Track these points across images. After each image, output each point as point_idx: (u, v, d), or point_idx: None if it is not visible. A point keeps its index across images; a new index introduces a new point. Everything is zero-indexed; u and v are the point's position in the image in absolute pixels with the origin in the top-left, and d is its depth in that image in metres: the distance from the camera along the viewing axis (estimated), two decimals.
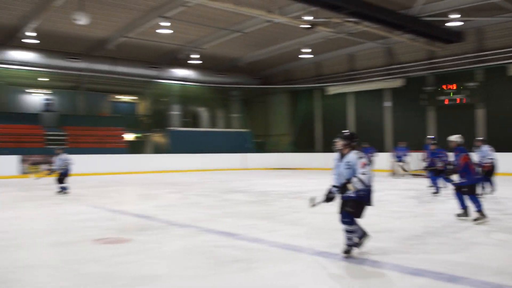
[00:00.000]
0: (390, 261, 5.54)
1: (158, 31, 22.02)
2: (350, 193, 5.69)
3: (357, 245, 5.84)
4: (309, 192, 13.98)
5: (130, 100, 33.91)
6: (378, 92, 27.55)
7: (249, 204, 11.28)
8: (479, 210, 8.13)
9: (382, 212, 9.62)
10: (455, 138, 8.89)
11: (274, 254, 5.98)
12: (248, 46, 27.40)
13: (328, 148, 28.83)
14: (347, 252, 5.73)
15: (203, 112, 32.54)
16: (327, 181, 16.68)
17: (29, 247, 6.58)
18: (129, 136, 30.39)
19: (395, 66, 26.61)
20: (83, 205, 11.43)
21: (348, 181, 5.67)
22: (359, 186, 5.60)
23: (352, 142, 5.93)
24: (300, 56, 27.78)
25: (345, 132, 6.08)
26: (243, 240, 6.86)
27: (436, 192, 12.54)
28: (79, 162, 23.60)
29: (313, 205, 6.04)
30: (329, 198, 5.98)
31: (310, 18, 19.29)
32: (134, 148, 30.23)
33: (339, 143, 5.97)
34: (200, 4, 18.97)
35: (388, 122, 27.33)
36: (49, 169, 14.77)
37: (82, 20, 17.78)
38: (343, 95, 29.44)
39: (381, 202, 11.38)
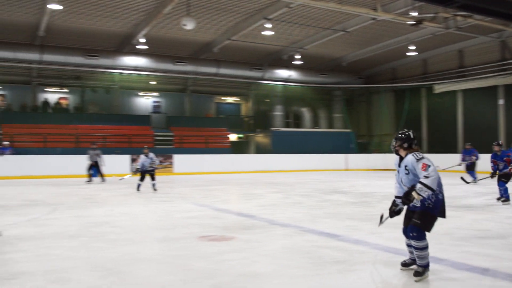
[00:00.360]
0: (504, 270, 5.22)
1: (262, 33, 22.40)
2: (417, 202, 4.90)
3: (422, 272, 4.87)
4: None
5: (234, 101, 34.80)
6: (491, 90, 25.88)
7: (351, 205, 11.13)
8: None
9: (494, 217, 9.10)
10: None
11: (376, 256, 5.86)
12: (351, 45, 27.02)
13: (434, 149, 27.79)
14: (418, 274, 4.84)
15: (306, 113, 32.55)
16: (444, 182, 16.03)
17: (139, 242, 6.95)
18: (233, 137, 31.20)
19: (510, 61, 24.89)
20: (189, 203, 11.90)
21: (412, 188, 4.86)
22: (425, 193, 4.75)
23: (410, 143, 5.13)
24: (405, 53, 26.92)
25: (401, 132, 5.26)
26: (344, 241, 6.79)
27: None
28: (185, 162, 24.98)
29: (381, 223, 5.36)
30: (395, 212, 5.19)
31: (416, 14, 18.62)
32: (238, 148, 30.98)
33: (395, 144, 5.18)
34: (302, 5, 19.02)
35: (501, 121, 25.62)
36: (136, 169, 15.76)
37: (189, 25, 18.56)
38: (451, 93, 28.04)
39: (492, 206, 10.76)
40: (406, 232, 5.08)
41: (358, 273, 5.13)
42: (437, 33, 23.26)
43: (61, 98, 29.56)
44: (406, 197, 4.88)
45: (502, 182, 11.13)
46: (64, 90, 29.51)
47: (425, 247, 4.85)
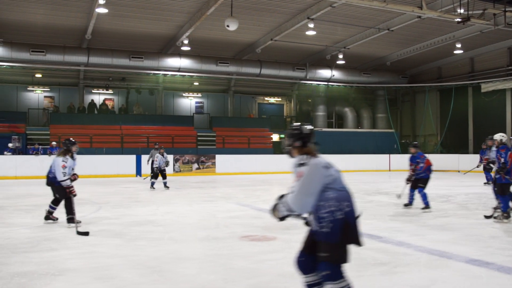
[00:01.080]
0: None
1: (305, 32, 22.32)
2: (315, 227, 3.48)
3: None
4: (458, 195, 13.20)
5: (276, 102, 34.79)
6: None
7: (394, 207, 10.95)
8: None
9: None
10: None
11: (420, 259, 5.75)
12: (395, 44, 26.59)
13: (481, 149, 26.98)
14: None
15: (348, 113, 32.22)
16: (479, 184, 15.67)
17: (182, 241, 7.05)
18: (275, 137, 31.21)
19: None
20: (231, 203, 11.98)
21: (280, 199, 3.70)
22: (283, 212, 3.65)
23: (303, 141, 3.73)
24: (451, 52, 26.28)
25: (293, 126, 3.90)
26: (387, 243, 6.69)
27: None
28: (227, 162, 25.15)
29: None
30: (280, 218, 3.84)
31: (463, 10, 18.15)
32: (280, 148, 30.96)
33: (286, 143, 3.86)
34: (346, 4, 18.85)
35: None
36: (156, 168, 15.97)
37: (232, 26, 18.67)
38: (500, 92, 27.18)
39: None
40: (304, 264, 3.68)
41: (401, 275, 5.06)
42: (485, 30, 22.57)
43: (106, 99, 30.29)
44: (271, 210, 3.83)
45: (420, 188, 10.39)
46: (110, 91, 30.22)
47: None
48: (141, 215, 9.70)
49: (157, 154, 15.91)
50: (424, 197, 10.16)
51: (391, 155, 29.47)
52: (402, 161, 29.16)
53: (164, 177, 15.98)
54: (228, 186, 17.69)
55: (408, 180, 10.79)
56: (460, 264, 5.50)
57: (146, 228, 8.15)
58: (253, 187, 16.92)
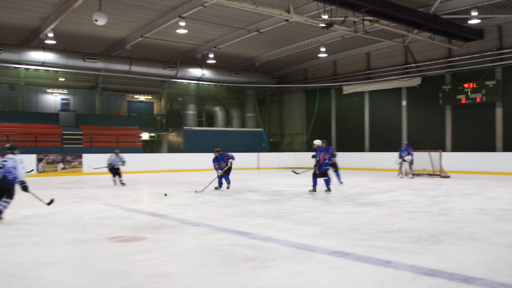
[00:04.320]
0: (405, 261, 5.52)
1: (176, 31, 22.15)
2: None
3: None
4: (322, 191, 13.96)
5: (146, 100, 34.14)
6: (395, 91, 27.28)
7: (262, 203, 11.29)
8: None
9: (396, 211, 9.61)
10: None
11: (286, 253, 5.99)
12: (264, 45, 27.39)
13: (342, 148, 28.86)
14: None
15: (219, 112, 32.58)
16: (352, 179, 16.57)
17: (46, 245, 6.66)
18: (145, 136, 30.63)
19: (413, 65, 26.40)
20: (99, 203, 11.55)
21: None
22: None
23: None
24: (316, 55, 27.71)
25: None
26: (256, 239, 6.88)
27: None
28: (94, 162, 24.14)
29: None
30: None
31: (327, 17, 19.21)
32: (150, 147, 30.51)
33: None
34: (217, 4, 19.00)
35: (404, 121, 27.11)
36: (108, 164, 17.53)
37: (100, 20, 17.93)
38: (359, 94, 29.27)
39: (396, 202, 11.37)
40: None
41: (269, 269, 5.22)
42: (346, 36, 24.18)
43: None
44: None
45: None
46: None
47: None
48: None
49: (112, 154, 17.53)
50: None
51: (260, 153, 30.37)
52: (270, 159, 30.34)
53: (119, 175, 17.25)
54: (95, 186, 17.02)
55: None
56: (323, 256, 5.82)
57: (6, 232, 7.57)
58: (122, 187, 16.46)
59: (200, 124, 32.63)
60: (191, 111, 31.71)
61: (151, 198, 13.30)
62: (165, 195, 13.12)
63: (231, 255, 5.88)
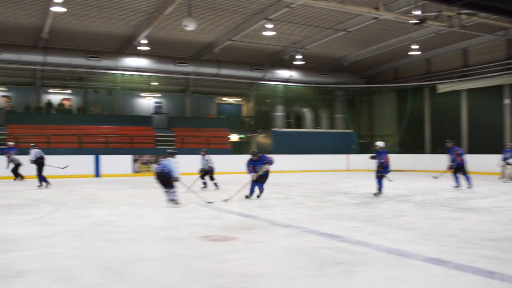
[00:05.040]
0: (511, 273, 5.16)
1: (263, 33, 22.39)
2: None
3: None
4: (416, 195, 13.51)
5: (235, 102, 34.79)
6: (496, 89, 25.72)
7: (353, 206, 11.12)
8: None
9: (499, 218, 9.08)
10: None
11: (379, 258, 5.84)
12: (353, 44, 27.00)
13: (437, 149, 27.71)
14: None
15: (307, 113, 32.51)
16: (435, 184, 16.07)
17: (142, 241, 6.98)
18: (234, 137, 31.19)
19: None
20: (190, 203, 11.85)
21: None
22: None
23: None
24: (408, 53, 26.87)
25: None
26: (347, 242, 6.77)
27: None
28: (186, 162, 24.89)
29: None
30: None
31: (419, 12, 18.57)
32: (239, 148, 30.99)
33: None
34: (303, 5, 19.00)
35: (507, 121, 25.50)
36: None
37: (190, 26, 18.56)
38: (455, 93, 27.93)
39: (499, 208, 10.73)
40: None
41: (360, 274, 5.12)
42: (440, 32, 23.19)
43: (64, 99, 29.67)
44: None
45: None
46: (67, 91, 29.63)
47: None
48: (99, 216, 9.55)
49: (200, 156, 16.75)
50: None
51: (350, 155, 29.91)
52: (360, 161, 29.78)
53: (211, 178, 16.66)
54: (186, 187, 17.51)
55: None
56: (418, 262, 5.60)
57: (105, 229, 8.03)
58: (213, 187, 16.83)
59: (288, 126, 32.73)
60: (279, 112, 31.89)
61: (241, 198, 13.52)
62: (246, 197, 13.00)
63: (321, 257, 5.83)
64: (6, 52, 23.55)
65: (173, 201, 11.25)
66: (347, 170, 28.70)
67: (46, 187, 16.48)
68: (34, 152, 16.78)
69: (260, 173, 12.81)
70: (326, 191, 15.12)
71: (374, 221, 8.81)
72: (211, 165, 16.65)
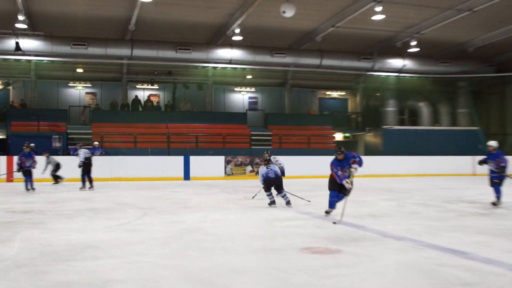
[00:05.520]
0: None
1: (371, 17, 22.01)
2: None
3: None
4: None
5: (339, 96, 34.54)
6: None
7: (480, 217, 10.60)
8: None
9: None
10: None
11: None
12: (479, 27, 25.88)
13: None
14: None
15: (423, 108, 31.62)
16: None
17: (235, 251, 7.04)
18: (338, 136, 30.96)
19: None
20: (289, 210, 11.93)
21: None
22: None
23: None
24: None
25: None
26: (474, 260, 6.44)
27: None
28: (285, 164, 25.07)
29: None
30: None
31: None
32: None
33: None
34: None
35: None
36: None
37: (288, 12, 18.70)
38: None
39: None
40: None
41: None
42: None
43: (151, 95, 30.92)
44: None
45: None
46: (155, 86, 30.86)
47: None
48: (190, 222, 9.79)
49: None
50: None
51: (475, 157, 28.61)
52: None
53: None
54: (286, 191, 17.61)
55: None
56: None
57: (196, 236, 8.21)
58: (314, 193, 16.75)
59: (401, 123, 32.08)
60: (390, 107, 31.32)
61: (346, 206, 13.34)
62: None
63: (443, 277, 5.57)
64: (92, 46, 25.02)
65: (290, 202, 12.38)
66: (473, 175, 27.50)
67: (89, 188, 17.53)
68: (83, 153, 17.81)
69: (352, 178, 10.68)
70: (447, 199, 14.64)
71: (508, 235, 8.33)
72: (282, 165, 15.66)
